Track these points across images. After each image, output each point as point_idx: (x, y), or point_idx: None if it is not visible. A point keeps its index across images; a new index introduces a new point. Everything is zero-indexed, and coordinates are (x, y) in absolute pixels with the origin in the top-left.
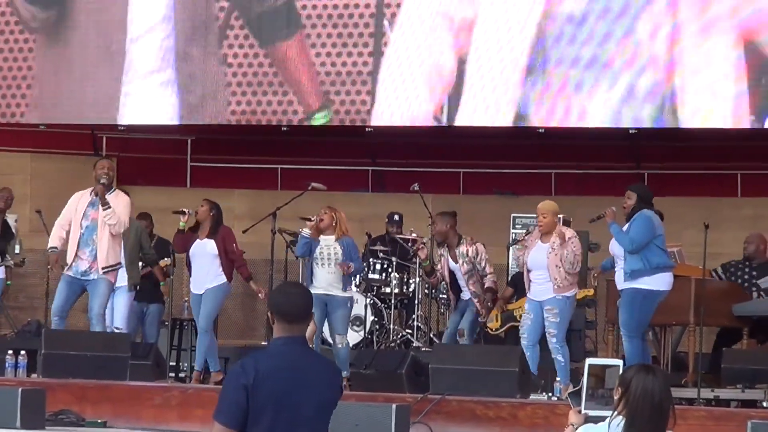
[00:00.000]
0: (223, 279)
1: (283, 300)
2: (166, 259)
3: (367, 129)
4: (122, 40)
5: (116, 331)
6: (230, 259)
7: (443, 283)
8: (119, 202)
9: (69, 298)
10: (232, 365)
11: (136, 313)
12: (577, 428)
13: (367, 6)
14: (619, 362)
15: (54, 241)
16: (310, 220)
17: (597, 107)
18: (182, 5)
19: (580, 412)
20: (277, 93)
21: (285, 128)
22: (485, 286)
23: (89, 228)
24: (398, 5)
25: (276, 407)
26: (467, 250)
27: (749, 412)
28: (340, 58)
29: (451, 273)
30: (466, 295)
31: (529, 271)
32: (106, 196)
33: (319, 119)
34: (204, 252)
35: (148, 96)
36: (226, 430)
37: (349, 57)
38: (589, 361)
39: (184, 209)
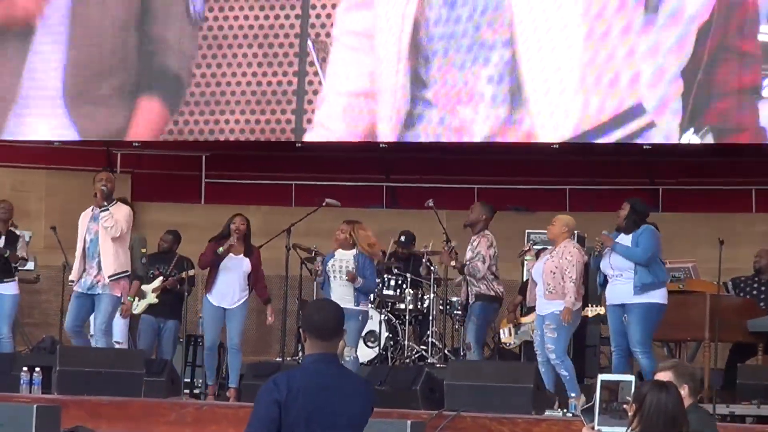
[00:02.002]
0: (247, 295)
1: (315, 317)
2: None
3: (381, 145)
4: None
5: (116, 345)
6: (256, 279)
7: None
8: (119, 211)
9: (79, 313)
10: (265, 381)
11: (152, 328)
12: None
13: (292, 26)
14: (632, 377)
15: (74, 274)
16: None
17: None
18: None
19: (593, 428)
20: None
21: (299, 144)
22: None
23: (93, 241)
24: (322, 26)
25: (308, 424)
26: (477, 241)
27: (765, 428)
28: (266, 77)
29: None
30: (471, 298)
31: (535, 284)
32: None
33: None
34: (239, 268)
35: None
36: None
37: (274, 76)
38: (601, 377)
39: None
